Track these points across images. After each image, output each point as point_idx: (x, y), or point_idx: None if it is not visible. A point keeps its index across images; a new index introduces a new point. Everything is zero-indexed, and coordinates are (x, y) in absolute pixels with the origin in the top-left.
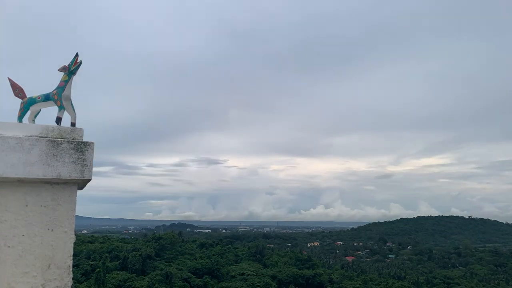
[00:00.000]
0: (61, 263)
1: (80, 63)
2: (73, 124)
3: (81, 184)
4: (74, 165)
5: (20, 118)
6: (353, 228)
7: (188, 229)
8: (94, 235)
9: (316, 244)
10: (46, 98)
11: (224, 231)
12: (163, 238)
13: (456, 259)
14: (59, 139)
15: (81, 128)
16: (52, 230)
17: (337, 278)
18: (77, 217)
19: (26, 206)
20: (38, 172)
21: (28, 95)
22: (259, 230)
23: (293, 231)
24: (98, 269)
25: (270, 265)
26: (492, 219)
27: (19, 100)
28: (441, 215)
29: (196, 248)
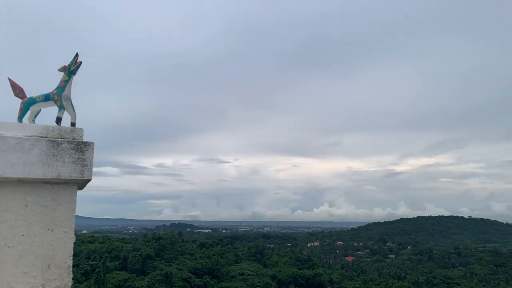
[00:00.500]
0: (61, 263)
1: (80, 63)
2: (73, 124)
3: (81, 184)
4: (74, 165)
5: (20, 118)
6: (353, 228)
7: (188, 229)
8: (94, 235)
9: (316, 244)
10: (46, 98)
11: (224, 231)
12: (163, 238)
13: (456, 259)
14: (59, 139)
15: (81, 128)
16: (52, 230)
17: (337, 278)
18: (77, 217)
19: (26, 206)
20: (38, 172)
21: (28, 95)
22: (259, 230)
23: (293, 231)
24: (98, 269)
25: (270, 265)
26: (492, 219)
27: (19, 100)
28: (441, 215)
29: (196, 248)
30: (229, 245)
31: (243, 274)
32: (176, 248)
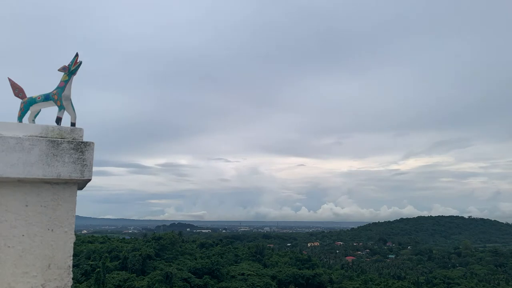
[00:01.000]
0: (61, 263)
1: (80, 63)
2: (73, 124)
3: (81, 184)
4: (74, 165)
5: (20, 118)
6: (353, 228)
7: (188, 229)
8: (94, 235)
9: (316, 244)
10: (46, 98)
11: (224, 231)
12: (163, 238)
13: (456, 259)
14: (59, 139)
15: (81, 128)
16: (52, 230)
17: (337, 278)
18: (77, 217)
19: (26, 206)
20: (38, 172)
21: (28, 95)
22: (259, 230)
23: (293, 231)
24: (98, 269)
25: (270, 265)
26: (492, 219)
27: (19, 100)
28: (441, 215)
29: (196, 248)
30: (229, 245)
31: (243, 274)
32: (176, 248)
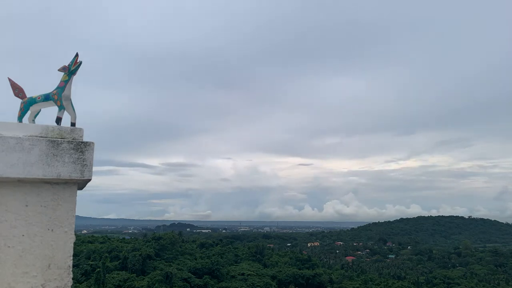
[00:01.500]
0: (61, 263)
1: (80, 63)
2: (73, 124)
3: (81, 184)
4: (74, 165)
5: (20, 118)
6: (353, 228)
7: (188, 229)
8: (94, 235)
9: (316, 244)
10: (46, 98)
11: (224, 231)
12: (163, 238)
13: (456, 259)
14: (59, 139)
15: (81, 128)
16: (52, 230)
17: (337, 278)
18: (77, 217)
19: (26, 206)
20: (38, 172)
21: (28, 95)
22: (259, 230)
23: (293, 231)
24: (98, 269)
25: (270, 265)
26: (492, 219)
27: (19, 100)
28: (441, 215)
29: (196, 248)
30: (229, 245)
31: (243, 274)
32: (176, 248)
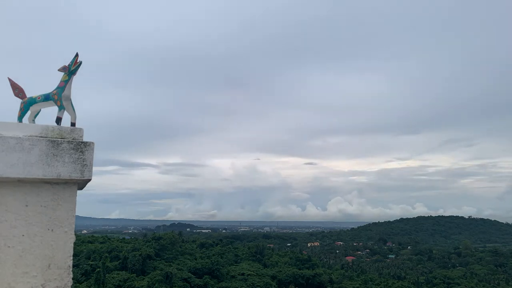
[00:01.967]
0: (61, 263)
1: (80, 63)
2: (73, 124)
3: (81, 184)
4: (74, 165)
5: (20, 118)
6: (353, 228)
7: (188, 229)
8: (94, 235)
9: (316, 244)
10: (46, 98)
11: (224, 231)
12: (163, 238)
13: (456, 259)
14: (59, 139)
15: (81, 128)
16: (52, 230)
17: (337, 278)
18: (77, 217)
19: (26, 206)
20: (38, 172)
21: (28, 95)
22: (259, 230)
23: (293, 231)
24: (98, 269)
25: (270, 265)
26: (492, 219)
27: (19, 100)
28: (441, 215)
29: (196, 248)
30: (229, 245)
31: (243, 274)
32: (176, 248)
